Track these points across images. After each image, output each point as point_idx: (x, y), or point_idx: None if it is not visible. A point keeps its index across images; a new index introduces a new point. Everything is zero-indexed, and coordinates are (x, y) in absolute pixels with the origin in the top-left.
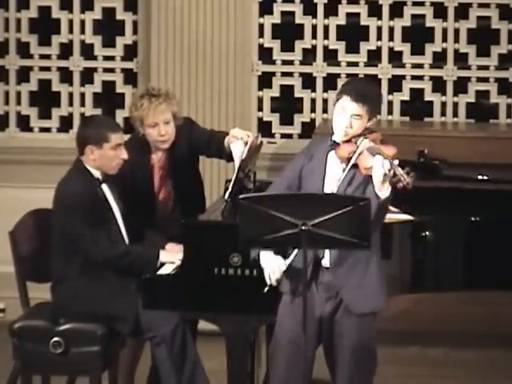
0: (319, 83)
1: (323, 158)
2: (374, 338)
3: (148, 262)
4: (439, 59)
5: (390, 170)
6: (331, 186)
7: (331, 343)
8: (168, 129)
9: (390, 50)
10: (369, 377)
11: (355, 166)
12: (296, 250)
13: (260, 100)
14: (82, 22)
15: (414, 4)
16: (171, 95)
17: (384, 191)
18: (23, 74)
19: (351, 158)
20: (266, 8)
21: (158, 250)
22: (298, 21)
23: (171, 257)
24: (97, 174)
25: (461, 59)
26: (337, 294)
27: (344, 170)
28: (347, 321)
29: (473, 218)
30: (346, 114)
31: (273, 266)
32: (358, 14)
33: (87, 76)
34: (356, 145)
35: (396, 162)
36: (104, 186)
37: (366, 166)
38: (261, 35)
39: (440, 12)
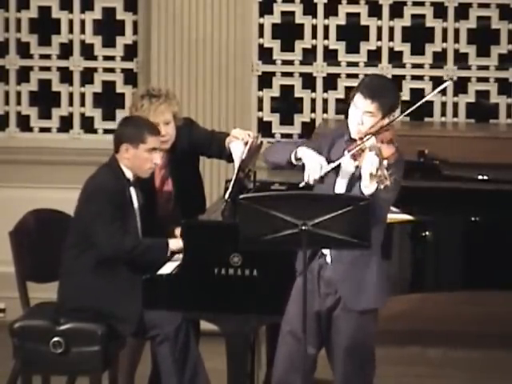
0: (319, 83)
1: (341, 152)
2: (372, 338)
3: (158, 252)
4: (439, 59)
5: (377, 170)
6: (342, 181)
7: (329, 340)
8: (168, 129)
9: (390, 50)
10: (367, 376)
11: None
12: (339, 161)
13: (260, 100)
14: (82, 22)
15: (414, 4)
16: (171, 95)
17: (369, 188)
18: (23, 74)
19: (354, 153)
20: (266, 8)
21: (167, 240)
22: (297, 21)
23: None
24: (129, 174)
25: (461, 59)
26: (336, 291)
27: (356, 167)
28: (345, 318)
29: (473, 218)
30: (358, 111)
31: (315, 163)
32: (358, 14)
33: (87, 76)
34: (362, 141)
35: (385, 162)
36: (132, 189)
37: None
38: (261, 35)
39: (440, 12)
